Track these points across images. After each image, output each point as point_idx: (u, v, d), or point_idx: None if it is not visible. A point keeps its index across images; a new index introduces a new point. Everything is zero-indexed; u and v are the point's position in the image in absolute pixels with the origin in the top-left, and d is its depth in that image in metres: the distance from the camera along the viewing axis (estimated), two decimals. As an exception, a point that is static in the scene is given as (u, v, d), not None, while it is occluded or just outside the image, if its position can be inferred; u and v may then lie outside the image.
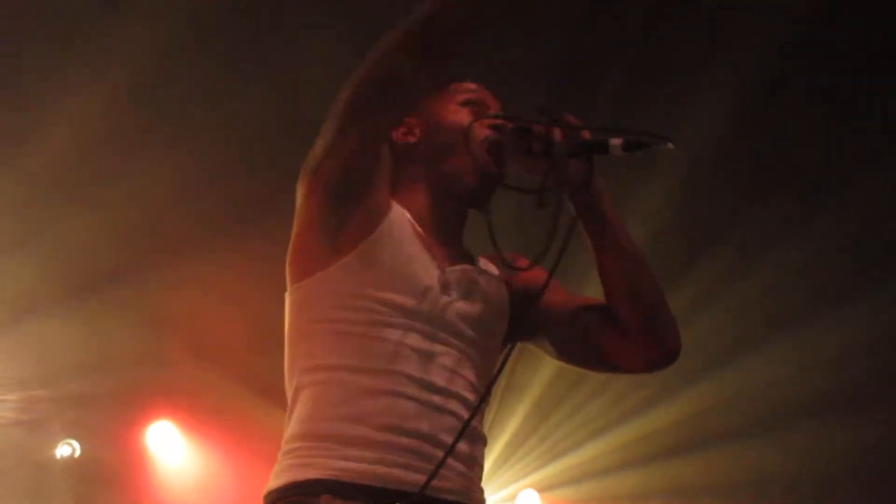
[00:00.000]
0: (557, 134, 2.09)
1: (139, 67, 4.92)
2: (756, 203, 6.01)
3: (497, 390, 7.39)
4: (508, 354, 2.12)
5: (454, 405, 2.03)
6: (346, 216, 2.04)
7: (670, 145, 2.11)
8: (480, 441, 2.13)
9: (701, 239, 6.30)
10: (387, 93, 1.98)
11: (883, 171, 5.73)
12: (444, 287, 2.09)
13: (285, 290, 2.14)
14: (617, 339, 2.18)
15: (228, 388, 6.60)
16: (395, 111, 2.07)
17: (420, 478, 1.91)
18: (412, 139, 2.22)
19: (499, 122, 2.19)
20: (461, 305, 2.10)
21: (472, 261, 2.22)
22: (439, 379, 2.02)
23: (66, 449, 7.18)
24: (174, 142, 5.36)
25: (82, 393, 6.92)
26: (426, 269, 2.08)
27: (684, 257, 6.34)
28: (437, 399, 2.00)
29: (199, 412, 7.23)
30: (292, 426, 2.02)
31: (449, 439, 1.96)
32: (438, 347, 2.04)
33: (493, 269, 2.26)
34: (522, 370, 7.26)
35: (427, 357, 2.02)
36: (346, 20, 4.71)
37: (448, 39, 1.94)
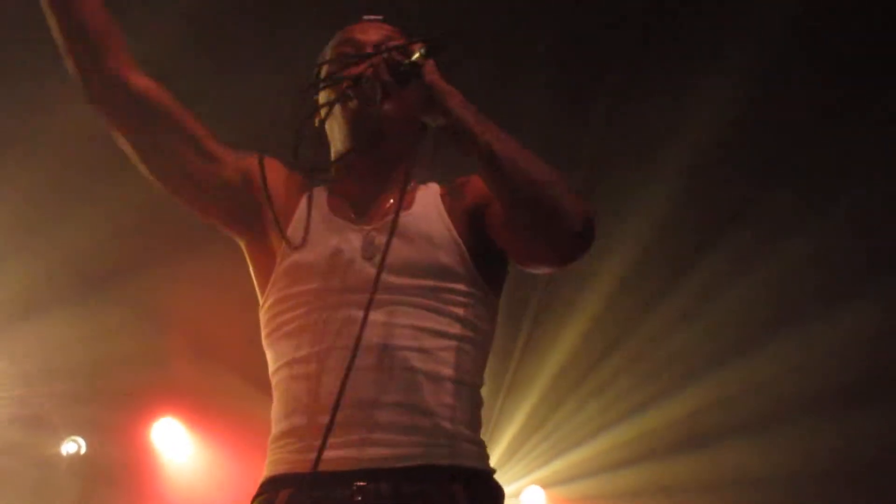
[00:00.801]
0: (381, 73, 2.05)
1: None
2: (760, 198, 6.00)
3: (502, 388, 7.39)
4: None
5: (399, 360, 1.98)
6: (260, 239, 2.17)
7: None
8: (449, 383, 2.05)
9: (704, 235, 6.29)
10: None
11: (890, 165, 5.73)
12: (368, 250, 2.07)
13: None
14: (519, 236, 2.04)
15: (233, 384, 6.60)
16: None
17: (359, 452, 1.92)
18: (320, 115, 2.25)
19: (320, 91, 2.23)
20: (392, 260, 2.02)
21: (409, 198, 2.18)
22: (377, 340, 1.98)
23: (72, 446, 7.19)
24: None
25: (87, 390, 6.93)
26: (343, 242, 2.09)
27: (688, 253, 6.33)
28: (376, 362, 1.97)
29: (203, 408, 7.24)
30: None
31: (392, 398, 1.95)
32: (373, 312, 1.97)
33: (435, 200, 2.20)
34: (525, 368, 7.27)
35: (358, 324, 1.95)
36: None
37: None
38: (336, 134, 2.22)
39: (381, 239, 2.06)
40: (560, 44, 5.12)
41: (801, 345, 6.69)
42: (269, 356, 2.12)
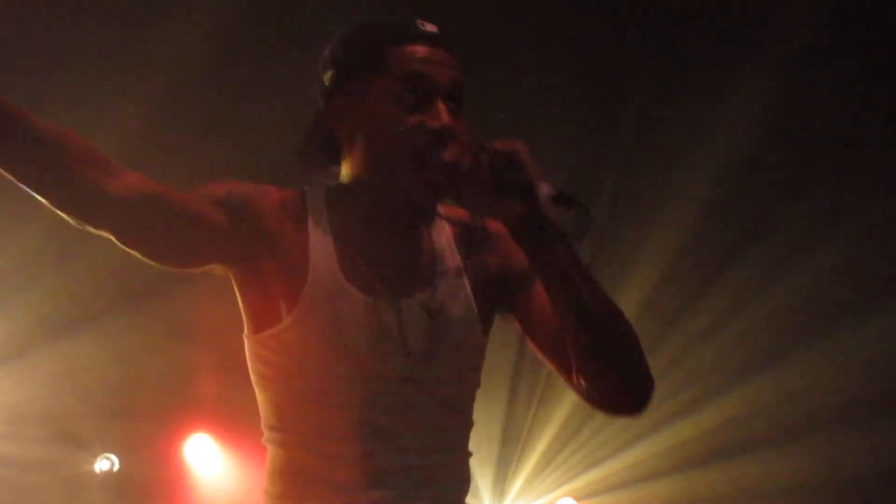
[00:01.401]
0: (483, 169, 1.79)
1: (163, 83, 4.96)
2: (788, 209, 5.98)
3: (534, 399, 7.37)
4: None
5: (414, 454, 1.90)
6: (264, 286, 1.92)
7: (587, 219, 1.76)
8: (458, 458, 1.99)
9: (732, 246, 6.27)
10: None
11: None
12: (388, 338, 1.88)
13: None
14: (573, 376, 1.91)
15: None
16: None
17: None
18: (343, 127, 1.94)
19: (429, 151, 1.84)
20: (417, 345, 1.89)
21: (431, 259, 1.97)
22: (398, 431, 1.89)
23: (105, 463, 7.22)
24: (202, 158, 5.39)
25: (120, 408, 6.96)
26: (365, 323, 1.87)
27: (717, 263, 6.31)
28: (412, 459, 1.90)
29: (235, 425, 7.25)
30: (270, 479, 1.98)
31: (411, 490, 1.88)
32: (395, 399, 1.88)
33: (456, 265, 1.99)
34: (558, 378, 7.24)
35: (382, 411, 1.87)
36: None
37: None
38: (368, 174, 1.92)
39: (405, 318, 1.90)
40: (587, 54, 5.11)
41: (830, 356, 6.65)
42: (266, 404, 1.97)
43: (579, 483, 7.91)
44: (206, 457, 7.44)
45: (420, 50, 1.90)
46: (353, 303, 1.88)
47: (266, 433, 1.97)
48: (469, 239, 2.02)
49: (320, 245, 1.91)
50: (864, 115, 5.42)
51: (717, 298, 6.44)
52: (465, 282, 1.98)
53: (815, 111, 5.43)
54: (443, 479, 1.93)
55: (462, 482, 1.99)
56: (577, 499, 8.00)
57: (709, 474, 7.50)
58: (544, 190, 1.75)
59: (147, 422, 7.12)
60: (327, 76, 1.95)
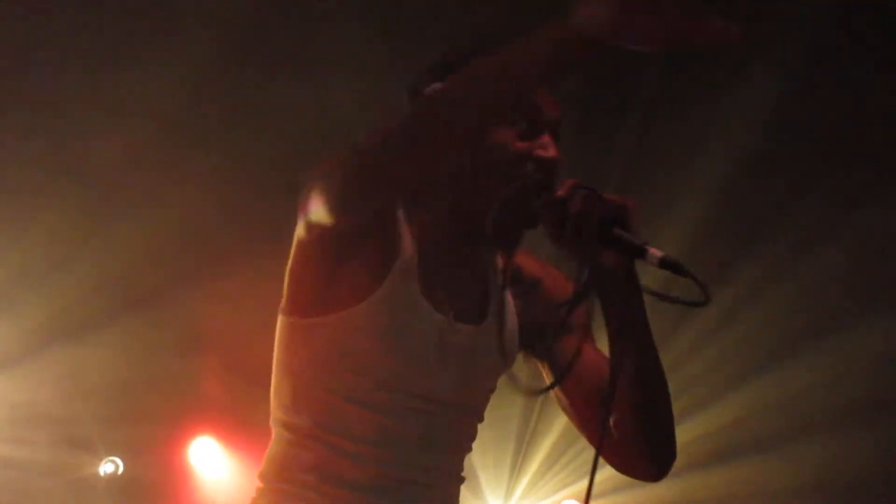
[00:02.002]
0: (593, 216, 1.78)
1: (178, 88, 4.97)
2: (794, 207, 5.98)
3: (538, 400, 7.38)
4: None
5: (431, 478, 1.93)
6: (347, 266, 1.83)
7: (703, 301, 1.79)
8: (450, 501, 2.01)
9: (736, 248, 6.27)
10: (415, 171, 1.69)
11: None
12: (444, 357, 1.88)
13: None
14: (604, 432, 1.91)
15: (269, 402, 6.62)
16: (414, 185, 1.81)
17: None
18: None
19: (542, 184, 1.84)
20: (460, 375, 1.91)
21: (491, 293, 1.97)
22: (414, 458, 1.89)
23: (110, 466, 7.23)
24: (214, 162, 5.41)
25: (125, 411, 6.97)
26: (425, 339, 1.86)
27: (725, 261, 6.31)
28: (418, 476, 1.90)
29: (240, 427, 7.25)
30: (268, 463, 1.96)
31: None
32: (421, 424, 1.88)
33: (511, 303, 2.00)
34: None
35: (407, 435, 1.87)
36: (381, 41, 4.72)
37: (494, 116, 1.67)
38: (464, 198, 1.88)
39: (462, 353, 1.90)
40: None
41: (832, 358, 6.65)
42: (300, 399, 1.91)
43: (584, 485, 7.90)
44: (210, 460, 7.44)
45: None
46: (422, 315, 1.86)
47: (282, 421, 1.93)
48: (520, 279, 2.03)
49: (408, 249, 1.87)
50: (869, 117, 5.42)
51: (723, 298, 6.44)
52: (515, 323, 2.00)
53: (818, 113, 5.43)
54: (442, 494, 1.96)
55: (450, 494, 2.00)
56: (581, 500, 7.99)
57: (712, 476, 7.49)
58: (654, 253, 1.78)
59: (151, 425, 7.13)
60: (437, 86, 1.85)
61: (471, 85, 1.61)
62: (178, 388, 6.91)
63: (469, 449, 2.02)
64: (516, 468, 7.65)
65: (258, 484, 1.98)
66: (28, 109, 5.15)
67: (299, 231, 1.85)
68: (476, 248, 1.95)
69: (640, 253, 1.79)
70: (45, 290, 6.03)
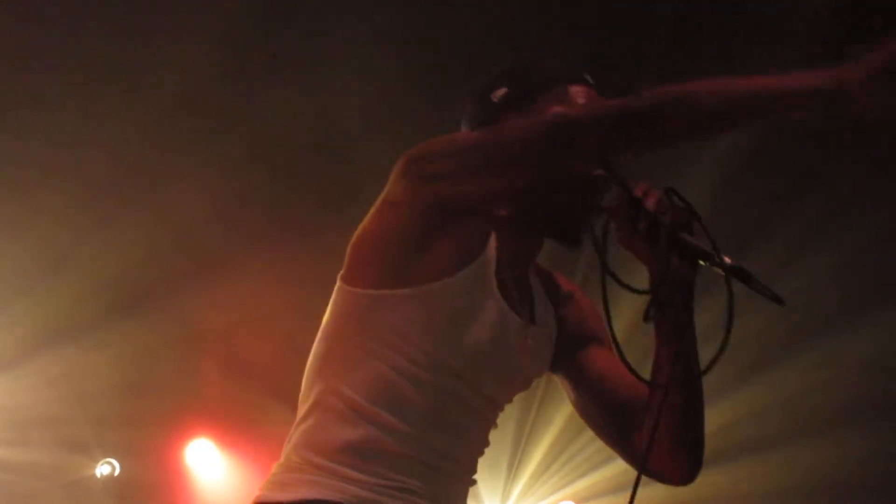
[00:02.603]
0: (667, 218, 1.86)
1: (173, 90, 4.97)
2: (788, 207, 5.98)
3: (534, 402, 7.38)
4: None
5: (460, 468, 1.98)
6: (439, 241, 1.84)
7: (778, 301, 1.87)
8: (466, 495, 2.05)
9: (733, 246, 6.27)
10: (580, 156, 1.78)
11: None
12: (500, 352, 1.92)
13: (319, 306, 1.99)
14: (631, 441, 2.03)
15: (266, 405, 6.62)
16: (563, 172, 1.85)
17: None
18: None
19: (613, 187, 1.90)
20: (508, 372, 1.97)
21: (540, 298, 2.05)
22: (457, 446, 1.94)
23: (107, 468, 7.23)
24: (208, 163, 5.41)
25: (121, 413, 6.97)
26: (489, 331, 1.89)
27: (710, 270, 6.32)
28: (444, 464, 1.93)
29: (236, 429, 7.26)
30: (302, 438, 1.92)
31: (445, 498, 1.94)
32: (468, 413, 1.94)
33: (551, 313, 2.08)
34: (557, 382, 7.25)
35: (455, 423, 1.92)
36: (382, 40, 4.73)
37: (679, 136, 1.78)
38: (531, 197, 1.94)
39: (515, 351, 1.95)
40: (580, 61, 5.12)
41: (832, 356, 6.66)
42: (375, 388, 1.88)
43: (580, 486, 7.91)
44: (207, 461, 7.44)
45: (592, 92, 2.04)
46: (495, 307, 1.90)
47: (326, 392, 1.89)
48: (556, 293, 2.11)
49: (492, 244, 1.91)
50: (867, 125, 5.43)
51: (714, 303, 6.44)
52: (554, 328, 2.07)
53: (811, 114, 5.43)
54: (459, 487, 1.99)
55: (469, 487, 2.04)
56: (578, 501, 8.01)
57: (708, 477, 7.47)
58: (725, 260, 1.86)
59: (148, 426, 7.13)
60: (499, 93, 2.00)
61: (720, 96, 1.78)
62: (175, 389, 6.91)
63: (482, 452, 2.05)
64: (513, 470, 7.66)
65: (289, 455, 1.94)
66: (22, 111, 5.15)
67: (396, 193, 1.85)
68: (534, 253, 2.03)
69: (710, 259, 1.87)
70: (41, 293, 6.03)
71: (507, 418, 7.43)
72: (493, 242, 1.91)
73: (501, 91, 2.00)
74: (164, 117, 5.13)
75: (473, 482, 2.05)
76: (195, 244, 5.90)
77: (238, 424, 7.20)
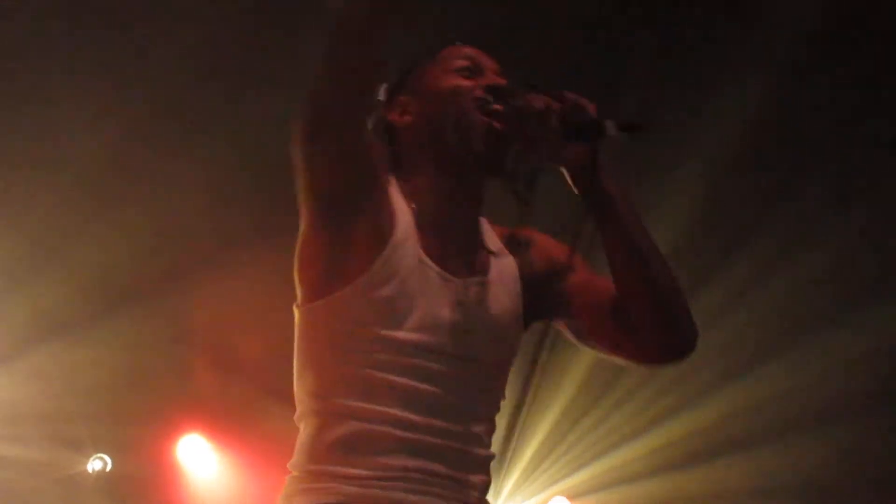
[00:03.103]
0: (554, 114, 1.96)
1: (160, 88, 4.97)
2: (781, 206, 5.99)
3: (526, 397, 7.38)
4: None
5: (459, 440, 1.97)
6: (346, 236, 1.92)
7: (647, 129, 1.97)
8: (486, 468, 2.06)
9: (723, 247, 6.28)
10: (348, 86, 1.85)
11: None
12: (456, 313, 1.96)
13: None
14: (629, 334, 2.02)
15: (258, 401, 6.62)
16: (362, 102, 1.91)
17: (423, 500, 1.90)
18: (408, 118, 2.09)
19: (494, 102, 2.01)
20: (476, 329, 1.98)
21: (487, 253, 2.07)
22: (445, 418, 1.94)
23: (98, 463, 7.22)
24: (199, 160, 5.40)
25: (113, 408, 6.96)
26: (436, 297, 1.95)
27: (710, 262, 6.32)
28: (441, 440, 1.93)
29: (228, 425, 7.26)
30: (297, 451, 1.98)
31: (451, 473, 1.94)
32: (448, 382, 1.94)
33: (508, 257, 2.12)
34: (550, 377, 7.26)
35: (435, 395, 1.93)
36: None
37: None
38: (437, 150, 2.04)
39: (471, 300, 1.99)
40: (575, 51, 5.12)
41: (822, 354, 6.67)
42: (350, 383, 1.93)
43: (572, 482, 7.92)
44: (198, 457, 7.44)
45: (467, 47, 2.14)
46: (427, 276, 1.96)
47: (309, 410, 1.97)
48: (515, 242, 2.16)
49: (405, 217, 1.98)
50: (857, 113, 5.44)
51: (711, 296, 6.46)
52: (517, 276, 2.10)
53: (806, 109, 5.44)
54: (473, 456, 1.98)
55: (486, 487, 2.04)
56: (569, 497, 8.01)
57: (700, 473, 7.51)
58: (610, 126, 1.94)
59: (140, 422, 7.12)
60: (384, 89, 2.12)
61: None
62: (167, 385, 6.91)
63: (492, 420, 2.07)
64: (504, 466, 7.67)
65: (291, 471, 1.99)
66: (11, 108, 5.14)
67: (302, 220, 1.96)
68: (469, 207, 2.08)
69: (601, 129, 1.95)
70: (31, 290, 6.02)
71: (499, 415, 7.43)
72: (408, 218, 1.98)
73: (381, 89, 2.13)
74: (153, 115, 5.12)
75: (491, 455, 2.06)
76: (185, 241, 5.89)
77: (229, 420, 7.20)
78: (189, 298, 6.27)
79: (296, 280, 2.00)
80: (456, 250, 2.03)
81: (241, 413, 7.05)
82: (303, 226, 1.96)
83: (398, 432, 1.90)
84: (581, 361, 7.09)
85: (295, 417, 2.01)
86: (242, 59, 5.05)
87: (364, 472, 1.88)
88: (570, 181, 2.03)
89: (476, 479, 2.00)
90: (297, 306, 2.01)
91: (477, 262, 2.06)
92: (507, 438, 7.56)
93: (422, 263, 1.95)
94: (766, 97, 5.28)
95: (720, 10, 5.14)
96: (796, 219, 6.01)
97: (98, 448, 7.21)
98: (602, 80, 5.33)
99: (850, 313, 6.41)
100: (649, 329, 2.00)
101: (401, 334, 1.91)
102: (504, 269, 2.09)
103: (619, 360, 2.13)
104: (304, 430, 1.98)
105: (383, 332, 1.91)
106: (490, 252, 2.08)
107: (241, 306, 6.16)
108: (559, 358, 7.11)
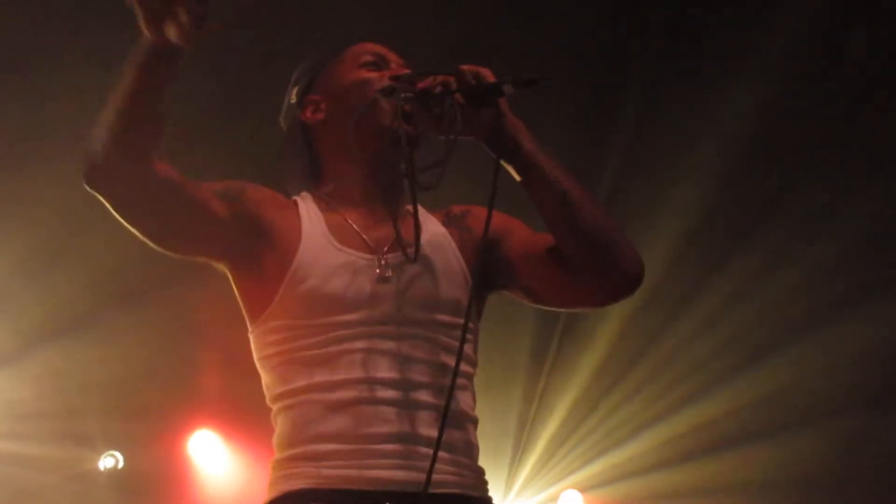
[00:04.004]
0: (453, 87, 2.06)
1: (173, 86, 4.97)
2: (788, 198, 5.98)
3: (536, 393, 7.38)
4: (471, 305, 2.03)
5: (426, 395, 2.01)
6: (260, 265, 2.10)
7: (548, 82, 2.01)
8: (469, 422, 2.10)
9: (730, 240, 6.28)
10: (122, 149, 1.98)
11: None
12: (385, 281, 2.06)
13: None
14: (569, 276, 2.08)
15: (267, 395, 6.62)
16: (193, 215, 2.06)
17: (407, 474, 1.94)
18: (321, 115, 2.23)
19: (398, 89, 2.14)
20: (410, 293, 2.07)
21: (415, 227, 2.13)
22: (404, 374, 2.00)
23: (110, 460, 7.23)
24: (208, 156, 5.39)
25: (124, 405, 6.97)
26: (360, 271, 2.06)
27: (718, 254, 6.32)
28: (406, 396, 1.98)
29: (239, 420, 7.26)
30: (277, 447, 2.08)
31: (428, 432, 1.97)
32: (395, 344, 2.02)
33: (441, 230, 2.22)
34: (559, 372, 7.26)
35: (385, 356, 2.01)
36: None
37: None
38: (351, 142, 2.17)
39: (395, 269, 2.08)
40: (583, 49, 5.12)
41: (835, 343, 6.66)
42: (273, 378, 2.10)
43: (584, 475, 7.92)
44: (210, 453, 7.46)
45: (370, 44, 2.28)
46: (341, 255, 2.07)
47: (274, 407, 2.09)
48: (450, 216, 2.27)
49: (311, 223, 2.12)
50: (864, 105, 5.43)
51: (719, 289, 6.45)
52: (451, 240, 2.20)
53: (817, 97, 5.43)
54: (450, 419, 1.99)
55: (469, 445, 2.08)
56: (581, 490, 8.01)
57: (712, 464, 7.51)
58: (507, 88, 2.01)
59: (151, 418, 7.13)
60: (293, 93, 2.29)
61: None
62: (178, 381, 6.92)
63: (465, 372, 2.10)
64: (515, 460, 7.67)
65: (273, 463, 2.10)
66: (21, 108, 5.15)
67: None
68: (387, 185, 2.19)
69: (499, 90, 2.03)
70: (43, 287, 6.03)
71: (510, 408, 7.44)
72: (313, 215, 2.13)
73: (293, 90, 2.33)
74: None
75: (469, 415, 2.10)
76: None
77: (240, 416, 7.20)
78: (199, 293, 6.27)
79: (242, 308, 2.19)
80: (377, 220, 2.14)
81: (252, 408, 6.99)
82: (228, 274, 2.19)
83: (348, 408, 1.97)
84: (591, 353, 7.08)
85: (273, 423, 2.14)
86: (253, 55, 5.05)
87: (344, 447, 1.96)
88: (487, 148, 2.09)
89: (454, 436, 2.03)
90: (249, 329, 2.17)
91: (403, 231, 2.12)
92: (519, 432, 7.56)
93: (335, 248, 2.08)
94: (775, 91, 5.27)
95: (727, 5, 5.13)
96: (803, 212, 6.00)
97: (110, 445, 7.23)
98: (610, 74, 5.33)
99: (860, 304, 6.40)
100: (590, 266, 2.04)
101: (338, 316, 2.01)
102: (435, 234, 2.18)
103: (573, 308, 2.27)
104: (277, 425, 2.10)
105: (320, 319, 2.02)
106: (421, 226, 2.13)
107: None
108: (569, 350, 7.11)
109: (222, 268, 2.19)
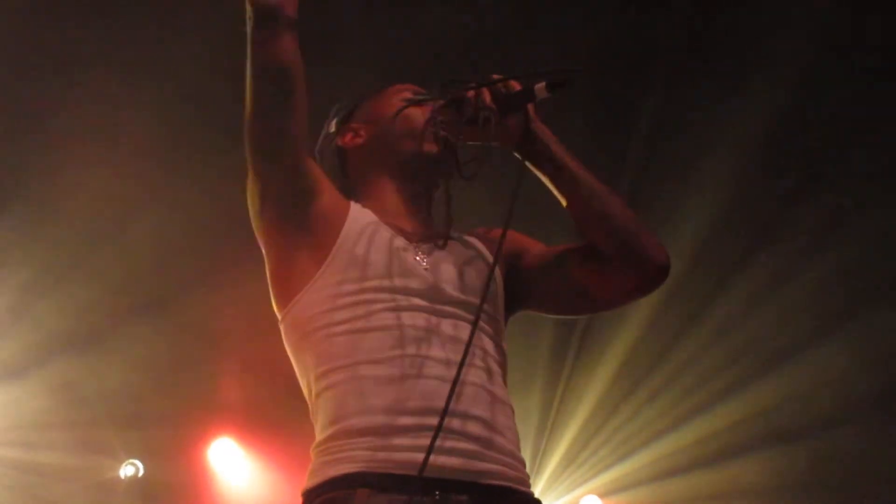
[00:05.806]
0: (486, 97, 2.15)
1: (187, 93, 4.99)
2: (807, 202, 5.97)
3: (555, 398, 7.38)
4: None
5: (473, 376, 2.02)
6: (307, 235, 2.13)
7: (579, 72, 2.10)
8: (509, 408, 2.11)
9: (747, 246, 6.27)
10: (278, 102, 2.08)
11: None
12: (422, 261, 2.13)
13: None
14: (599, 272, 2.18)
15: (288, 403, 6.60)
16: (294, 118, 2.10)
17: (461, 462, 1.93)
18: (360, 140, 2.33)
19: (429, 102, 2.25)
20: (448, 274, 2.14)
21: (446, 237, 2.24)
22: (447, 353, 2.01)
23: (130, 469, 7.25)
24: (223, 164, 5.41)
25: (144, 413, 6.99)
26: (402, 249, 2.13)
27: (734, 260, 6.31)
28: (452, 374, 1.96)
29: (259, 428, 7.28)
30: (320, 430, 2.04)
31: (480, 412, 1.98)
32: (437, 320, 2.06)
33: (476, 243, 2.30)
34: (578, 377, 7.25)
35: (436, 333, 2.03)
36: (364, 65, 4.75)
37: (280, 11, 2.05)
38: (387, 155, 2.29)
39: (428, 254, 2.16)
40: (602, 51, 5.11)
41: (846, 353, 6.66)
42: (315, 357, 2.09)
43: (603, 480, 7.91)
44: (230, 460, 7.47)
45: (408, 83, 2.38)
46: (386, 232, 2.15)
47: (316, 388, 2.07)
48: (474, 233, 2.34)
49: (359, 212, 2.20)
50: (879, 110, 5.41)
51: (738, 293, 6.45)
52: (478, 241, 2.30)
53: (835, 102, 5.42)
54: (483, 400, 2.02)
55: (511, 431, 2.07)
56: (600, 496, 8.00)
57: (733, 469, 7.49)
58: (539, 89, 2.10)
59: (171, 427, 7.15)
60: (332, 124, 2.39)
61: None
62: (198, 389, 6.93)
63: (500, 360, 2.14)
64: (535, 466, 7.66)
65: (317, 449, 2.06)
66: (36, 122, 5.18)
67: (262, 245, 2.23)
68: (421, 201, 2.29)
69: (531, 94, 2.12)
70: (61, 297, 6.05)
71: (529, 414, 7.43)
72: (365, 212, 2.20)
73: (334, 121, 2.42)
74: (176, 119, 5.15)
75: (512, 408, 2.12)
76: (212, 244, 5.91)
77: (260, 423, 7.22)
78: (217, 302, 6.29)
79: (274, 301, 2.22)
80: (411, 230, 2.22)
81: (271, 416, 7.06)
82: (268, 253, 2.22)
83: (410, 371, 1.98)
84: (611, 358, 7.08)
85: (312, 410, 2.13)
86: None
87: (382, 422, 1.94)
88: (515, 152, 2.19)
89: (501, 422, 2.04)
90: (281, 319, 2.19)
91: (438, 235, 2.23)
92: (539, 437, 7.55)
93: (377, 232, 2.15)
94: (792, 97, 5.27)
95: (743, 13, 5.12)
96: (820, 218, 5.99)
97: (130, 453, 7.25)
98: (626, 83, 5.32)
99: (877, 311, 6.39)
100: (620, 257, 2.15)
101: (383, 280, 2.07)
102: (464, 239, 2.29)
103: (600, 308, 2.31)
104: (317, 411, 2.08)
105: (365, 283, 2.07)
106: (455, 232, 2.27)
107: (271, 309, 6.17)
108: (588, 355, 7.10)
109: (273, 234, 2.20)
